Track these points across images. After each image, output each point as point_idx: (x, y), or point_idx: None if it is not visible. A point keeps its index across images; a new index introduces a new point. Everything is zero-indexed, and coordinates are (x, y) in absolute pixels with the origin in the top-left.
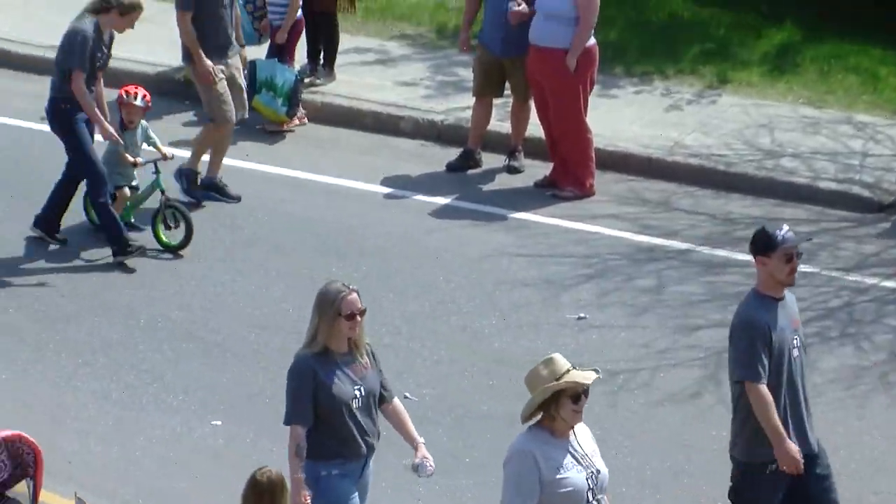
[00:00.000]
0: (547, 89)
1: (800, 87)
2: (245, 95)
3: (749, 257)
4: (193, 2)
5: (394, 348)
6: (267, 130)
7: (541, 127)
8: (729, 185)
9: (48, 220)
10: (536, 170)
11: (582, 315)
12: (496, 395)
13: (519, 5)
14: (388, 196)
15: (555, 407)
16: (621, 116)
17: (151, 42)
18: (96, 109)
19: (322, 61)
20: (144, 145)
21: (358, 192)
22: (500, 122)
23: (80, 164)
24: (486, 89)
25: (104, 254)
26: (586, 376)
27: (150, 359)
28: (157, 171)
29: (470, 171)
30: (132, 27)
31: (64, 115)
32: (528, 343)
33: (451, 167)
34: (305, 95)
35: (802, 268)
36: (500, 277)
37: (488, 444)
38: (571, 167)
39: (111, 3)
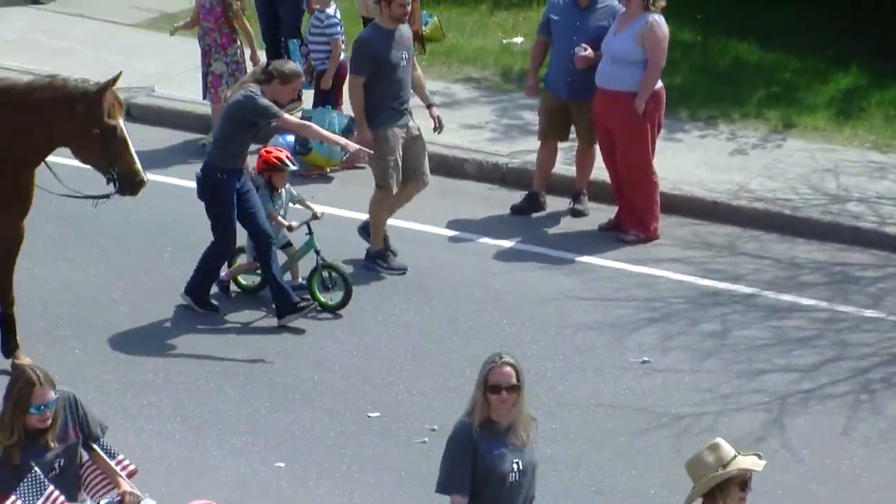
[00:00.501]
0: (615, 133)
1: (866, 132)
2: (427, 159)
3: (815, 301)
4: (367, 66)
5: (457, 391)
6: (307, 174)
7: (606, 170)
8: (794, 230)
9: (196, 288)
10: (601, 213)
11: (646, 359)
12: (559, 439)
13: (585, 50)
14: (453, 239)
15: (721, 495)
16: (686, 160)
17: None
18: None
19: None
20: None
21: (423, 234)
22: (565, 166)
23: (217, 234)
24: (551, 133)
25: (168, 296)
26: (755, 462)
27: (214, 400)
28: (310, 232)
29: (535, 214)
30: (295, 96)
31: (217, 185)
32: (591, 387)
33: (516, 210)
34: None
35: (868, 313)
36: (563, 320)
37: (551, 487)
38: (637, 210)
39: (272, 73)
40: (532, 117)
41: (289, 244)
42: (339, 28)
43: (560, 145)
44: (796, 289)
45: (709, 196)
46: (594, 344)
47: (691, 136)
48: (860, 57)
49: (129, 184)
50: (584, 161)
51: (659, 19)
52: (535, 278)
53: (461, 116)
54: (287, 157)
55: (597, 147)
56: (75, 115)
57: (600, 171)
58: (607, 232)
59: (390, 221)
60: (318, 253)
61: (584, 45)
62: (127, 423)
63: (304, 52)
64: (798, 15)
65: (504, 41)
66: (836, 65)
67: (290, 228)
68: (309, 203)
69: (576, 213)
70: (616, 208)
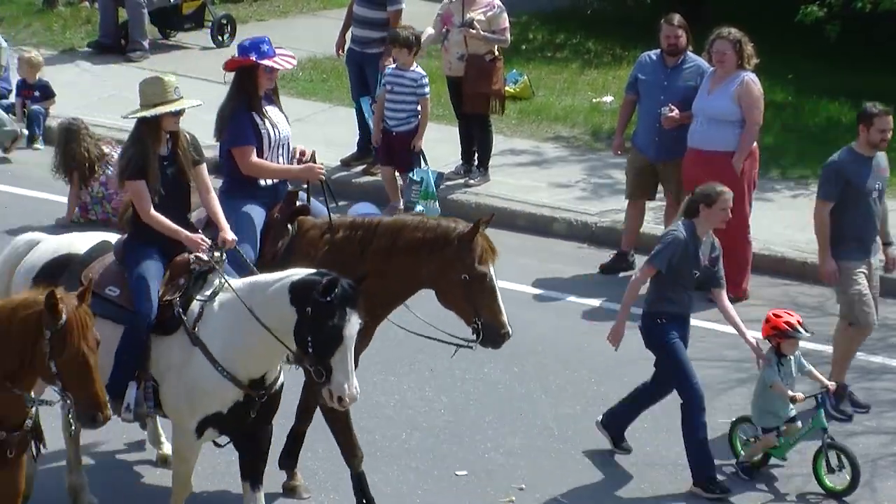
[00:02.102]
0: None
1: None
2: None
3: None
4: (837, 191)
5: (545, 450)
6: None
7: None
8: (885, 291)
9: (617, 421)
10: None
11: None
12: (648, 499)
13: (672, 111)
14: (541, 297)
15: None
16: (777, 220)
17: None
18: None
19: (476, 162)
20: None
21: (512, 292)
22: (654, 225)
23: (679, 382)
24: (639, 192)
25: None
26: None
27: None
28: (819, 405)
29: (623, 273)
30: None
31: (659, 331)
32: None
33: (605, 269)
34: (460, 196)
35: None
36: None
37: None
38: (728, 270)
39: (711, 196)
40: (621, 176)
41: (793, 419)
42: (428, 87)
43: (649, 204)
44: (886, 350)
45: (799, 256)
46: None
47: (782, 196)
48: None
49: (492, 336)
50: (672, 220)
51: (754, 78)
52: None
53: (550, 175)
54: (798, 321)
55: None
56: (445, 258)
57: None
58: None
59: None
60: (825, 431)
61: (671, 105)
62: (217, 479)
63: (374, 109)
64: (889, 76)
65: (593, 100)
66: None
67: (793, 400)
68: (818, 374)
69: None
70: None
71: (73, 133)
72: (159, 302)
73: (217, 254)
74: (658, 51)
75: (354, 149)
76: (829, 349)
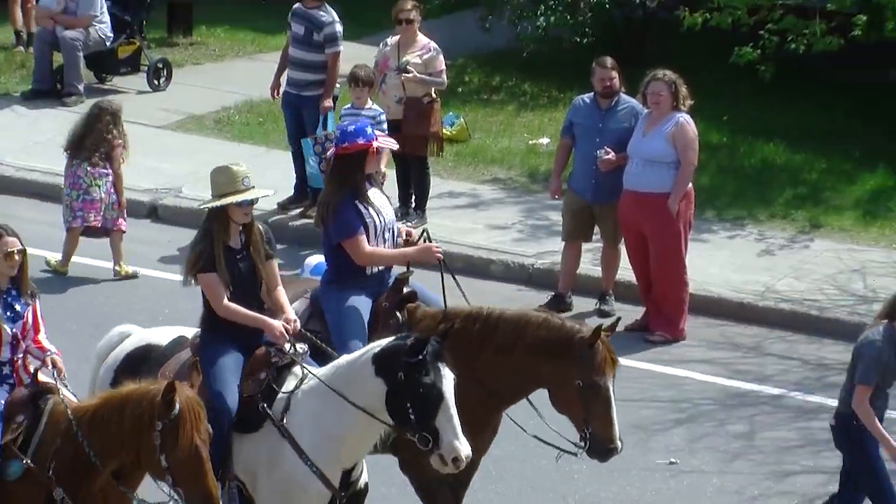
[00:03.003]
0: (648, 234)
1: (893, 232)
2: None
3: None
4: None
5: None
6: None
7: (631, 271)
8: (822, 331)
9: None
10: (627, 313)
11: (673, 460)
12: None
13: (607, 154)
14: None
15: None
16: (713, 261)
17: None
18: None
19: (413, 205)
20: None
21: None
22: (591, 266)
23: (874, 489)
24: (576, 233)
25: None
26: None
27: None
28: None
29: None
30: None
31: (857, 433)
32: (618, 488)
33: None
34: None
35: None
36: None
37: None
38: (665, 311)
39: None
40: (557, 218)
41: None
42: (386, 122)
43: (586, 246)
44: (824, 390)
45: (736, 297)
46: None
47: (718, 237)
48: (886, 158)
49: (599, 448)
50: (609, 262)
51: (688, 119)
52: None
53: (487, 217)
54: None
55: (622, 247)
56: (563, 362)
57: (625, 271)
58: (634, 332)
59: None
60: None
61: (607, 148)
62: None
63: (317, 150)
64: (823, 116)
65: (530, 142)
66: (863, 165)
67: None
68: None
69: (602, 314)
70: (643, 309)
71: (103, 113)
72: (240, 398)
73: (301, 346)
74: (591, 94)
75: (291, 192)
76: (766, 389)
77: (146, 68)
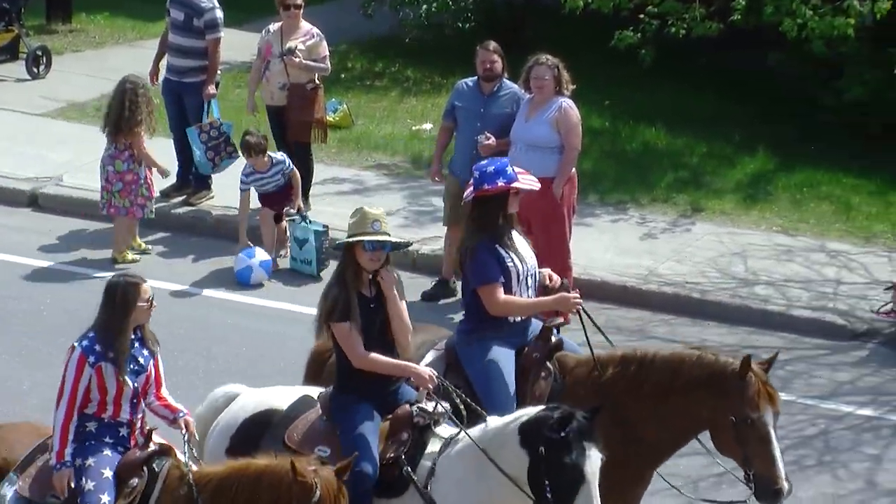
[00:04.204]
0: (531, 218)
1: (773, 216)
2: None
3: None
4: None
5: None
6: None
7: None
8: (704, 313)
9: None
10: None
11: None
12: None
13: (488, 139)
14: None
15: None
16: (597, 245)
17: None
18: None
19: None
20: None
21: None
22: None
23: None
24: (458, 218)
25: None
26: None
27: None
28: None
29: (444, 301)
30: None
31: None
32: None
33: (427, 296)
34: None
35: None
36: None
37: None
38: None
39: None
40: (441, 203)
41: None
42: (292, 166)
43: None
44: None
45: (619, 280)
46: None
47: (601, 221)
48: (766, 141)
49: (764, 491)
50: None
51: (571, 104)
52: None
53: (372, 203)
54: None
55: None
56: (717, 398)
57: None
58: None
59: (298, 308)
60: None
61: (487, 133)
62: None
63: (203, 138)
64: (704, 101)
65: (413, 128)
66: (743, 149)
67: None
68: None
69: None
70: None
71: (125, 92)
72: (381, 461)
73: (445, 404)
74: (474, 78)
75: (174, 179)
76: None
77: (25, 56)
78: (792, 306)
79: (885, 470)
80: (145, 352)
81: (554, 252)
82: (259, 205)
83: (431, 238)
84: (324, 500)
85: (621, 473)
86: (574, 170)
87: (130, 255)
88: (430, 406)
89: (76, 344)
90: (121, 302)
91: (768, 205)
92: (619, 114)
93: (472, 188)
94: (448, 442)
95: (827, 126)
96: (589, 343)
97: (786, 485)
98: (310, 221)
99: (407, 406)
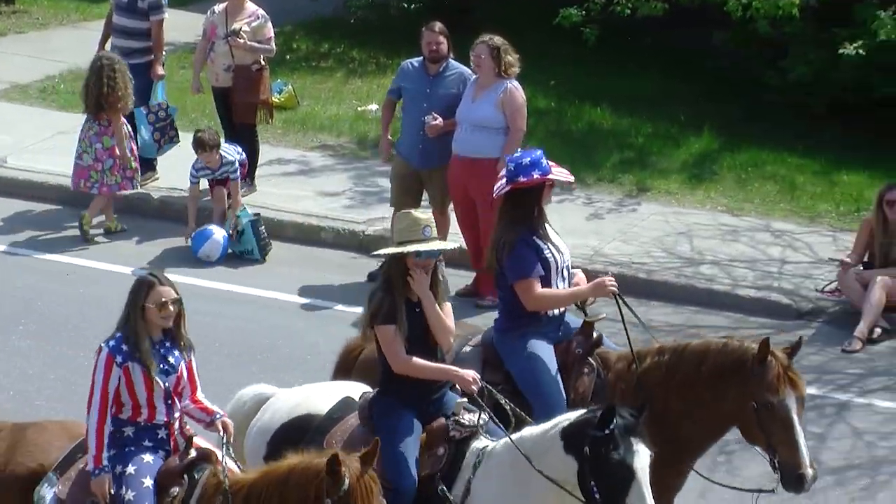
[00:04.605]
0: (477, 199)
1: (718, 195)
2: None
3: None
4: None
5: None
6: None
7: (462, 236)
8: (649, 293)
9: None
10: (458, 279)
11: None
12: None
13: (435, 119)
14: (310, 306)
15: None
16: None
17: None
18: None
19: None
20: None
21: (280, 303)
22: None
23: None
24: (404, 199)
25: (20, 370)
26: None
27: None
28: None
29: None
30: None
31: None
32: None
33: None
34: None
35: None
36: None
37: None
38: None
39: None
40: (387, 184)
41: None
42: (237, 165)
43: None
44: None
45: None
46: None
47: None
48: (711, 121)
49: (790, 478)
50: (438, 227)
51: (517, 85)
52: None
53: (317, 184)
54: None
55: (451, 213)
56: (738, 385)
57: (455, 236)
58: (465, 298)
59: (243, 290)
60: None
61: (434, 114)
62: None
63: (150, 119)
64: (649, 80)
65: (359, 108)
66: (688, 129)
67: None
68: None
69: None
70: (473, 274)
71: (101, 69)
72: (418, 477)
73: (483, 416)
74: (420, 59)
75: None
76: None
77: None
78: (737, 286)
79: (829, 448)
80: (176, 352)
81: None
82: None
83: (378, 219)
84: (353, 489)
85: (661, 474)
86: (519, 151)
87: (116, 225)
88: (466, 418)
89: (103, 344)
90: (132, 300)
91: (713, 184)
92: (565, 94)
93: (505, 180)
94: (483, 455)
95: (772, 106)
96: (626, 329)
97: (810, 471)
98: (243, 210)
99: (443, 420)
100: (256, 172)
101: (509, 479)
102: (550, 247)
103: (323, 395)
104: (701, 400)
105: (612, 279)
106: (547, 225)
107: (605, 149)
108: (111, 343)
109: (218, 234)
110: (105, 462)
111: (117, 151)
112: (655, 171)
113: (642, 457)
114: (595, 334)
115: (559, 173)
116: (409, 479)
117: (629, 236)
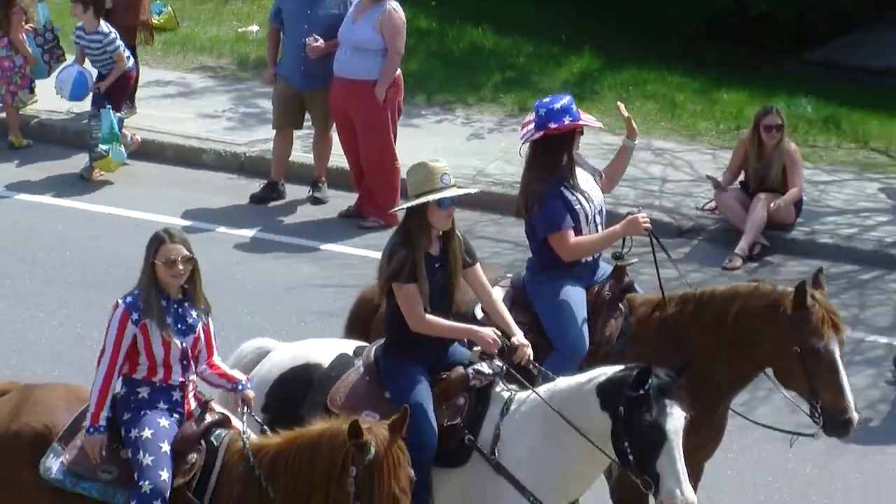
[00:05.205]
0: (355, 120)
1: (599, 114)
2: None
3: None
4: None
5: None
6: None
7: (345, 157)
8: None
9: None
10: (341, 200)
11: None
12: None
13: (316, 41)
14: (192, 229)
15: None
16: (424, 146)
17: None
18: None
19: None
20: None
21: (161, 225)
22: (304, 154)
23: None
24: (286, 121)
25: None
26: None
27: None
28: None
29: (273, 203)
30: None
31: None
32: None
33: (255, 199)
34: None
35: None
36: (306, 309)
37: None
38: (376, 197)
39: None
40: (268, 105)
41: None
42: (117, 42)
43: (297, 133)
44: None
45: None
46: (336, 331)
47: (429, 122)
48: (592, 41)
49: (834, 423)
50: (320, 149)
51: (396, 6)
52: (275, 267)
53: (198, 106)
54: None
55: (334, 134)
56: (776, 329)
57: (338, 157)
58: (347, 219)
59: (121, 211)
60: None
61: (315, 35)
62: None
63: (38, 42)
64: (531, 2)
65: (239, 30)
66: (570, 49)
67: None
68: None
69: (315, 201)
70: (356, 195)
71: None
72: (438, 428)
73: (498, 363)
74: None
75: None
76: None
77: None
78: (619, 204)
79: None
80: (194, 313)
81: (379, 154)
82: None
83: (260, 140)
84: (379, 457)
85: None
86: (399, 72)
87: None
88: (486, 367)
89: (120, 300)
90: (145, 256)
91: (595, 104)
92: (446, 14)
93: (533, 127)
94: (509, 403)
95: (652, 25)
96: (657, 270)
97: (856, 415)
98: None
99: (461, 368)
100: (136, 94)
101: (542, 430)
102: (580, 196)
103: (322, 349)
104: (733, 345)
105: (646, 216)
106: (581, 169)
107: (486, 69)
108: (128, 299)
109: (76, 70)
110: (102, 422)
111: (6, 63)
112: (537, 90)
113: (676, 419)
114: (626, 279)
115: (588, 119)
116: (429, 432)
117: (511, 156)
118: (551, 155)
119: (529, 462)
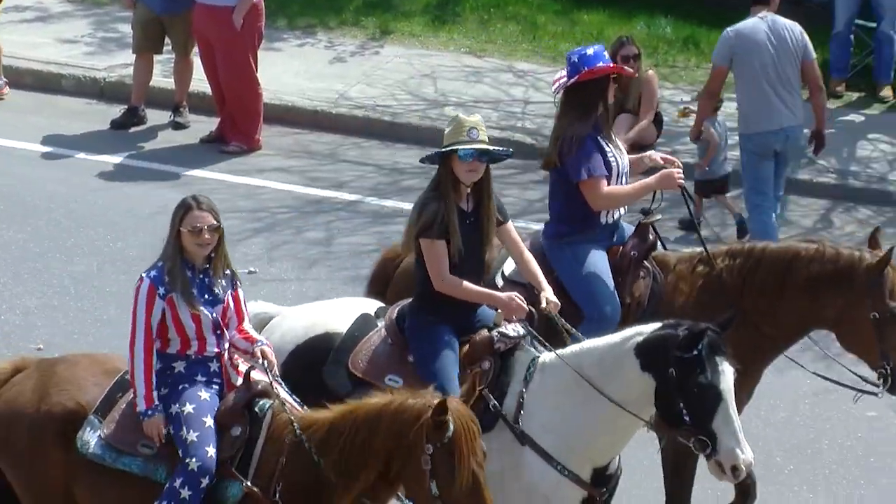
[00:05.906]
0: (216, 46)
1: (461, 37)
2: None
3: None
4: None
5: (62, 309)
6: None
7: (206, 82)
8: (395, 136)
9: None
10: (202, 125)
11: (252, 269)
12: None
13: None
14: (51, 155)
15: None
16: (286, 70)
17: None
18: None
19: None
20: None
21: (20, 152)
22: (164, 78)
23: None
24: (146, 45)
25: None
26: None
27: None
28: None
29: (135, 129)
30: None
31: None
32: None
33: (116, 124)
34: None
35: None
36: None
37: None
38: (238, 122)
39: None
40: (128, 30)
41: None
42: None
43: (157, 58)
44: (399, 194)
45: (309, 105)
46: None
47: (290, 46)
48: None
49: None
50: (181, 74)
51: None
52: (138, 193)
53: (56, 31)
54: None
55: (195, 59)
56: (850, 295)
57: (199, 82)
58: (209, 144)
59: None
60: None
61: None
62: None
63: None
64: None
65: None
66: None
67: None
68: None
69: (176, 126)
70: (217, 120)
71: None
72: None
73: (520, 326)
74: None
75: None
76: (342, 195)
77: None
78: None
79: None
80: (222, 282)
81: (240, 78)
82: None
83: (120, 65)
84: (458, 435)
85: (740, 363)
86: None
87: None
88: (510, 329)
89: (144, 274)
90: (171, 224)
91: (456, 26)
92: None
93: (567, 74)
94: (534, 367)
95: None
96: (698, 227)
97: None
98: None
99: (485, 331)
100: None
101: (567, 392)
102: (613, 149)
103: (338, 313)
104: (790, 307)
105: (680, 170)
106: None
107: None
108: (152, 273)
109: None
110: (156, 401)
111: None
112: (398, 13)
113: (727, 377)
114: (651, 237)
115: (621, 66)
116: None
117: (373, 79)
118: (587, 101)
119: (556, 429)
